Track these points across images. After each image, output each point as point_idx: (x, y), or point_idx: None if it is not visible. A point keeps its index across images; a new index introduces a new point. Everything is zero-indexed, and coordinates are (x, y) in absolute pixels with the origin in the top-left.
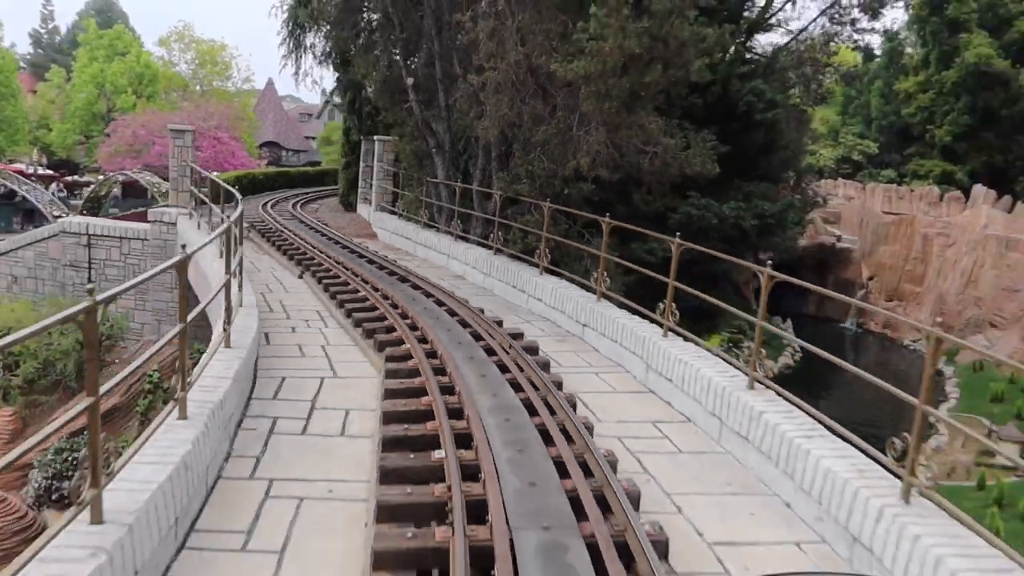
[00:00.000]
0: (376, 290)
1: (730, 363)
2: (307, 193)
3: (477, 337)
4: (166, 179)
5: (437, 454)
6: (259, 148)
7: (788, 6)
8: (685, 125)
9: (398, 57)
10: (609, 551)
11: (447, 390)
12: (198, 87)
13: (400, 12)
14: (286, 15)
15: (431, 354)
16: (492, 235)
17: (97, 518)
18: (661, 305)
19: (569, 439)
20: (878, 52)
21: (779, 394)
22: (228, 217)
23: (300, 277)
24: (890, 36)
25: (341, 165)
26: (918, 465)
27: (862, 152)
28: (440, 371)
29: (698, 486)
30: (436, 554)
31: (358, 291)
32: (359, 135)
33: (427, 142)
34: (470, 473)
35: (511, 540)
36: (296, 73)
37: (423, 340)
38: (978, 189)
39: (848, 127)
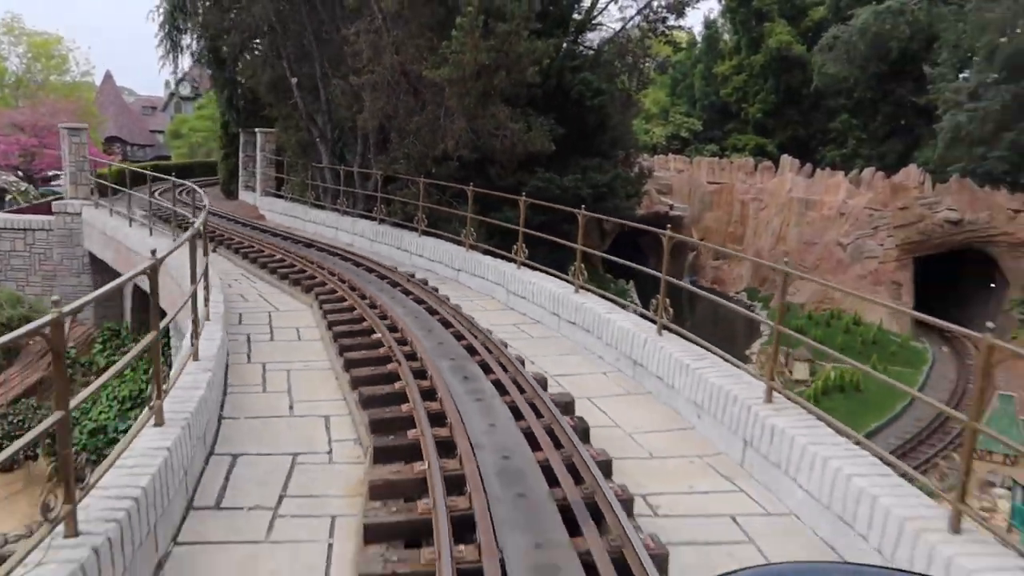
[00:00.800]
0: (290, 253)
1: (562, 278)
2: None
3: (381, 276)
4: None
5: (375, 336)
6: (103, 143)
7: (612, 7)
8: (529, 112)
9: (283, 61)
10: (508, 383)
11: (371, 305)
12: (33, 82)
13: (284, 25)
14: (162, 18)
15: (352, 288)
16: (375, 208)
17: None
18: (515, 248)
19: (462, 325)
20: (699, 39)
21: (591, 291)
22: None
23: (215, 251)
24: (708, 24)
25: (220, 156)
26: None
27: (689, 129)
28: (361, 296)
29: (545, 353)
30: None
31: (275, 255)
32: (237, 128)
33: (311, 132)
34: (399, 337)
35: (435, 367)
36: (174, 72)
37: (342, 280)
38: (785, 159)
39: (676, 107)
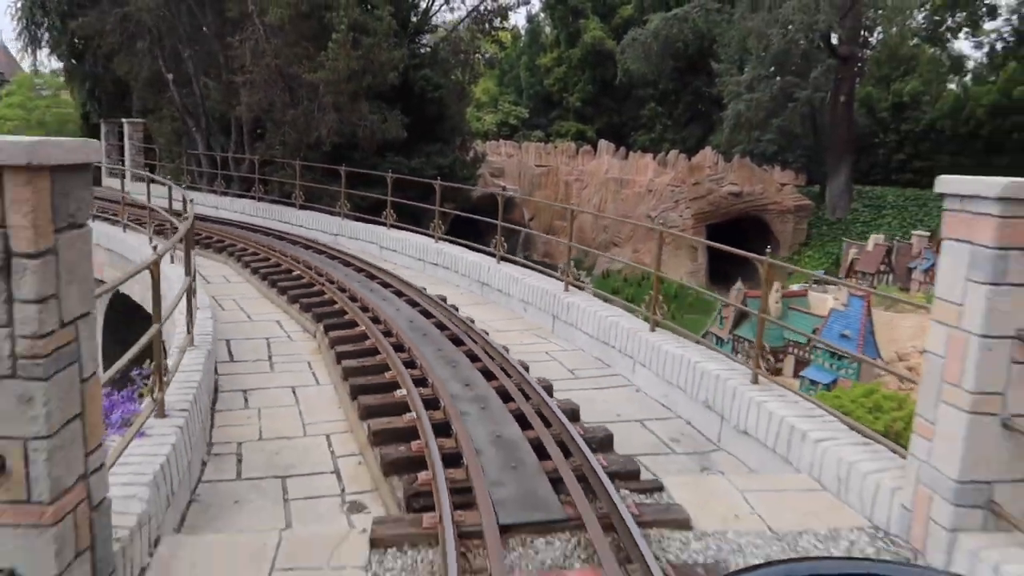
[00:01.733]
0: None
1: (426, 233)
2: None
3: (279, 238)
4: None
5: (317, 288)
6: None
7: (444, 10)
8: (383, 105)
9: (160, 60)
10: (410, 293)
11: (296, 260)
12: None
13: (164, 28)
14: (20, 13)
15: (266, 247)
16: (253, 188)
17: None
18: (383, 215)
19: (363, 263)
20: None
21: (448, 240)
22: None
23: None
24: (531, 19)
25: None
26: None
27: (517, 117)
28: (272, 250)
29: (420, 284)
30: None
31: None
32: (99, 118)
33: (186, 123)
34: (329, 278)
35: (358, 289)
36: (33, 65)
37: (250, 242)
38: (603, 143)
39: (504, 96)
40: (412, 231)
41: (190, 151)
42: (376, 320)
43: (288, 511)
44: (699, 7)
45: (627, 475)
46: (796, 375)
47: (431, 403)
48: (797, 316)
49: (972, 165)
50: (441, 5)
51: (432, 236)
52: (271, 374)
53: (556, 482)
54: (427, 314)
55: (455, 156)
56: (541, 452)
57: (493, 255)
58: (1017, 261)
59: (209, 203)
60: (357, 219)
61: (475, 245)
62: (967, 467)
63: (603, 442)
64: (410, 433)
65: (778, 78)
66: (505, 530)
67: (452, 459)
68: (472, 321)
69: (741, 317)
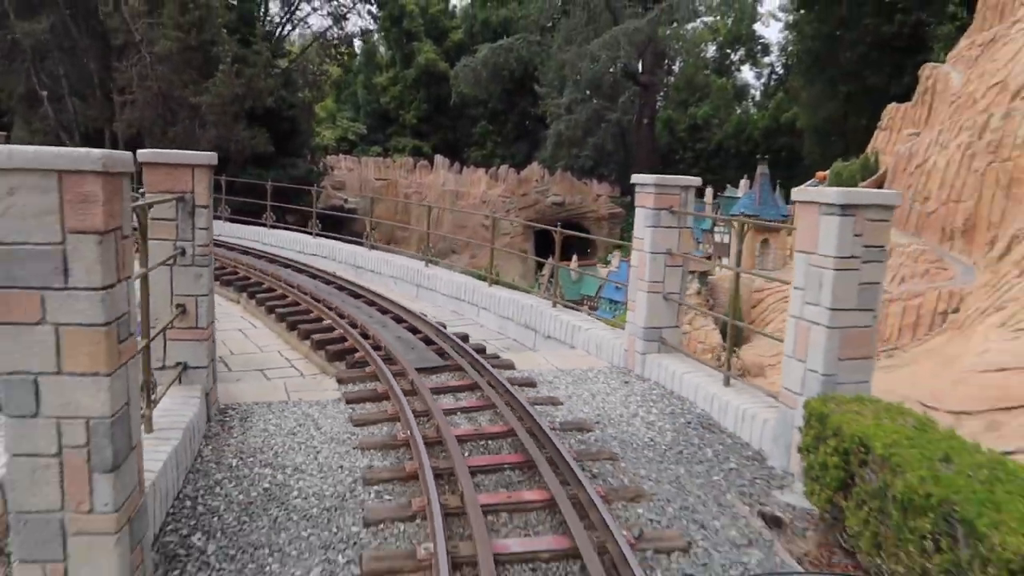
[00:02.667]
0: None
1: (302, 231)
2: None
3: None
4: None
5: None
6: None
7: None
8: (253, 124)
9: (34, 79)
10: (355, 292)
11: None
12: None
13: (42, 54)
14: None
15: None
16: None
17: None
18: (263, 217)
19: (259, 257)
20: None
21: (323, 235)
22: None
23: None
24: (366, 39)
25: None
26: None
27: (355, 132)
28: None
29: (361, 283)
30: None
31: None
32: None
33: (59, 136)
34: (235, 263)
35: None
36: None
37: None
38: (439, 158)
39: (342, 113)
40: (293, 229)
41: None
42: (291, 286)
43: (274, 383)
44: (522, 39)
45: (480, 349)
46: None
47: (353, 324)
48: (588, 279)
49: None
50: (290, 31)
51: (311, 232)
52: (223, 322)
53: (441, 354)
54: (327, 282)
55: (308, 168)
56: (429, 343)
57: (363, 244)
58: (663, 216)
59: None
60: (237, 221)
61: (348, 238)
62: (648, 320)
63: (464, 337)
64: (340, 339)
65: (593, 101)
66: (418, 371)
67: (374, 347)
68: (359, 287)
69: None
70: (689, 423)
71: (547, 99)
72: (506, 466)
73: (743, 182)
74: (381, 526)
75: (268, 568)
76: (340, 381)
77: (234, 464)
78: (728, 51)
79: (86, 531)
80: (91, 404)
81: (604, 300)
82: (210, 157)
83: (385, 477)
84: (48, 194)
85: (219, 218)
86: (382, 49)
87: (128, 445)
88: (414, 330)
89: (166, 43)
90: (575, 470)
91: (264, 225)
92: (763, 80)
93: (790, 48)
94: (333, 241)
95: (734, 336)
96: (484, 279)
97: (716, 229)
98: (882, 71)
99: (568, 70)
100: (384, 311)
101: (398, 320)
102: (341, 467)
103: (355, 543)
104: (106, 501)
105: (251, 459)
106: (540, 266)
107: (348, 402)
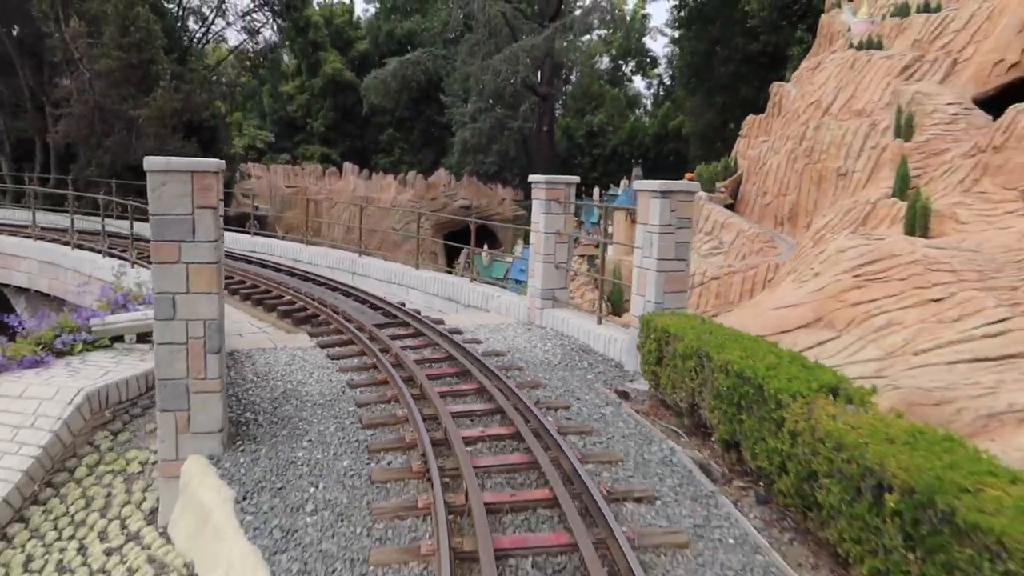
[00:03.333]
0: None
1: (292, 239)
2: None
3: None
4: None
5: None
6: None
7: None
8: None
9: None
10: (302, 277)
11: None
12: None
13: None
14: None
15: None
16: (67, 203)
17: None
18: None
19: None
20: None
21: (259, 233)
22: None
23: None
24: (272, 48)
25: None
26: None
27: (263, 140)
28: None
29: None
30: None
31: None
32: None
33: None
34: None
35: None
36: None
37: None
38: (347, 165)
39: (249, 121)
40: (232, 230)
41: None
42: (246, 273)
43: (256, 337)
44: (428, 53)
45: (417, 312)
46: None
47: (310, 297)
48: (498, 264)
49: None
50: (204, 45)
51: (248, 232)
52: None
53: (388, 315)
54: (277, 270)
55: (228, 175)
56: (376, 308)
57: (302, 241)
58: (552, 205)
59: (23, 219)
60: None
61: (286, 236)
62: (544, 283)
63: (401, 305)
64: (302, 309)
65: (496, 110)
66: (375, 326)
67: (333, 312)
68: (305, 272)
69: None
70: (572, 349)
71: (452, 108)
72: (447, 375)
73: (623, 182)
74: (369, 406)
75: (301, 427)
76: (311, 335)
77: (255, 379)
78: (621, 63)
79: (202, 391)
80: (206, 311)
81: (511, 281)
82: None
83: (365, 383)
84: (186, 184)
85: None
86: (287, 58)
87: (222, 339)
88: (361, 300)
89: (107, 61)
90: (498, 374)
91: None
92: (653, 90)
93: (675, 61)
94: (271, 239)
95: (607, 291)
96: (412, 265)
97: (602, 222)
98: (751, 84)
99: (472, 82)
100: (333, 288)
101: (346, 295)
102: (331, 380)
103: (354, 414)
104: (213, 372)
105: (266, 376)
106: (451, 263)
107: (322, 347)
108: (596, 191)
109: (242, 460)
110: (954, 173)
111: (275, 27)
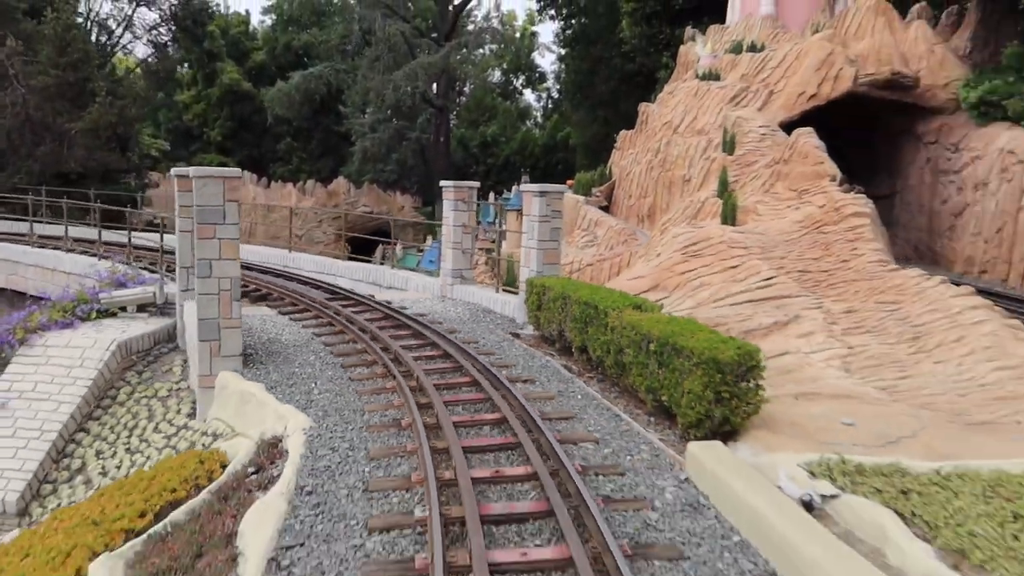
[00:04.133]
0: None
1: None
2: None
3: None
4: None
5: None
6: None
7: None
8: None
9: None
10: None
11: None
12: None
13: None
14: None
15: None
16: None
17: None
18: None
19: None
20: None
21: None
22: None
23: None
24: (180, 63)
25: None
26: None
27: (159, 149)
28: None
29: None
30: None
31: None
32: None
33: None
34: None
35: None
36: None
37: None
38: (246, 174)
39: (143, 130)
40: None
41: None
42: None
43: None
44: (330, 67)
45: (351, 292)
46: None
47: (259, 283)
48: (410, 256)
49: None
50: (111, 57)
51: (172, 232)
52: None
53: (331, 293)
54: None
55: (141, 183)
56: (317, 287)
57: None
58: (459, 204)
59: None
60: (108, 228)
61: None
62: (453, 265)
63: (334, 288)
64: (256, 290)
65: (395, 121)
66: (324, 300)
67: (284, 291)
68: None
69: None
70: (478, 311)
71: (352, 119)
72: (388, 327)
73: (515, 187)
74: (335, 345)
75: (290, 357)
76: (271, 307)
77: (243, 333)
78: (512, 77)
79: (229, 327)
80: (231, 271)
81: (423, 269)
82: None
83: (327, 334)
84: (219, 185)
85: (92, 225)
86: (181, 68)
87: (239, 291)
88: (303, 283)
89: (44, 78)
90: (426, 324)
91: (136, 229)
92: (542, 103)
93: (562, 77)
94: None
95: (503, 269)
96: (339, 257)
97: (497, 220)
98: (629, 101)
99: (372, 95)
100: (277, 276)
101: (288, 279)
102: (299, 333)
103: (325, 350)
104: (236, 314)
105: (249, 332)
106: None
107: (283, 314)
108: (491, 195)
109: (258, 372)
110: (758, 179)
111: (178, 41)
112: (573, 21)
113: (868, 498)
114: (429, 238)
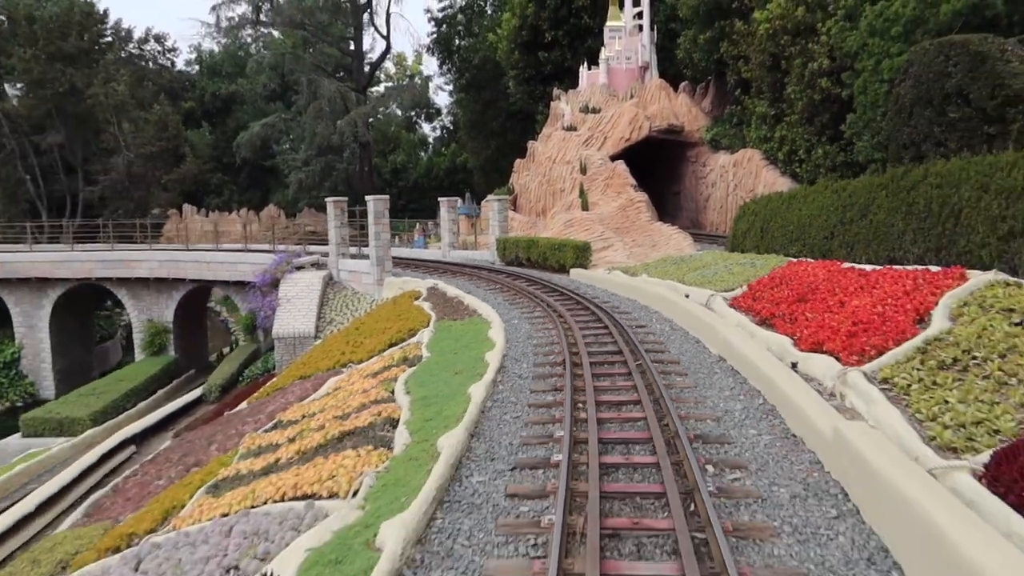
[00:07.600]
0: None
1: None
2: None
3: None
4: None
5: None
6: None
7: None
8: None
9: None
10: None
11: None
12: None
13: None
14: None
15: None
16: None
17: None
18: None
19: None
20: None
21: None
22: None
23: None
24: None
25: None
26: None
27: None
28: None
29: None
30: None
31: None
32: None
33: (35, 205)
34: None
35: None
36: None
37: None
38: (187, 206)
39: None
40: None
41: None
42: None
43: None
44: (279, 118)
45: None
46: None
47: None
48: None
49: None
50: None
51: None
52: None
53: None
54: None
55: (164, 214)
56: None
57: (212, 249)
58: (449, 210)
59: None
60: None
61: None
62: (449, 240)
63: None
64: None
65: (327, 156)
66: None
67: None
68: None
69: None
70: (466, 261)
71: (285, 155)
72: (432, 268)
73: (459, 202)
74: (418, 268)
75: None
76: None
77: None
78: (412, 113)
79: (386, 257)
80: (385, 236)
81: (417, 248)
82: (341, 200)
83: (411, 267)
84: (376, 203)
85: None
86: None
87: (389, 253)
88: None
89: (149, 148)
90: (439, 269)
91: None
92: (439, 134)
93: (458, 113)
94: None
95: (473, 243)
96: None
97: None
98: (516, 133)
99: (307, 138)
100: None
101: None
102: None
103: (419, 268)
104: (388, 254)
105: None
106: None
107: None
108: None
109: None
110: (598, 188)
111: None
112: (467, 73)
113: (647, 276)
114: (415, 231)
